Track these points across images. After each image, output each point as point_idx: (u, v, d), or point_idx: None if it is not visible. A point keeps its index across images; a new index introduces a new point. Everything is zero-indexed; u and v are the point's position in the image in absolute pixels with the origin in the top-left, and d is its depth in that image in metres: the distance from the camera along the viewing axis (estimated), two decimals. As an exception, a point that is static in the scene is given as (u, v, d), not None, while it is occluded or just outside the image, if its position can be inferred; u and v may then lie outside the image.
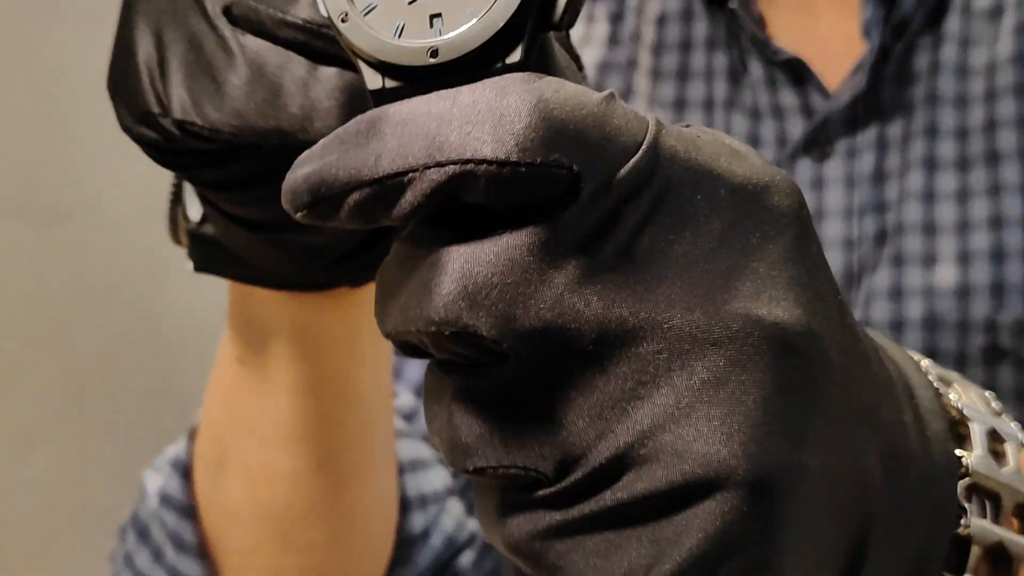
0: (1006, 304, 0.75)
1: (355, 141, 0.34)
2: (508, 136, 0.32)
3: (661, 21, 0.84)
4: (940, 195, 0.77)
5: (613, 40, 0.85)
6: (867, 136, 0.78)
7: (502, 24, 0.35)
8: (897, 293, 0.77)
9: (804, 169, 0.79)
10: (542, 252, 0.33)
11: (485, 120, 0.33)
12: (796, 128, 0.80)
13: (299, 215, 0.35)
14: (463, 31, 0.35)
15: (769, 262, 0.34)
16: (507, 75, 0.34)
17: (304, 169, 0.35)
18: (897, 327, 0.77)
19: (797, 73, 0.79)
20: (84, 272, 1.38)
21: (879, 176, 0.78)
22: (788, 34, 0.81)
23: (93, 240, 1.39)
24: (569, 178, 0.33)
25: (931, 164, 0.77)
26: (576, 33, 0.87)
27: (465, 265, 0.33)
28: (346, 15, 0.37)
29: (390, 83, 0.36)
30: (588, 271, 0.33)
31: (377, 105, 0.36)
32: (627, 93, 0.84)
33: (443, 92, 0.34)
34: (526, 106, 0.32)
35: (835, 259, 0.78)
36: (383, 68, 0.36)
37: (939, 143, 0.77)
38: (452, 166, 0.32)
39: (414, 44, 0.36)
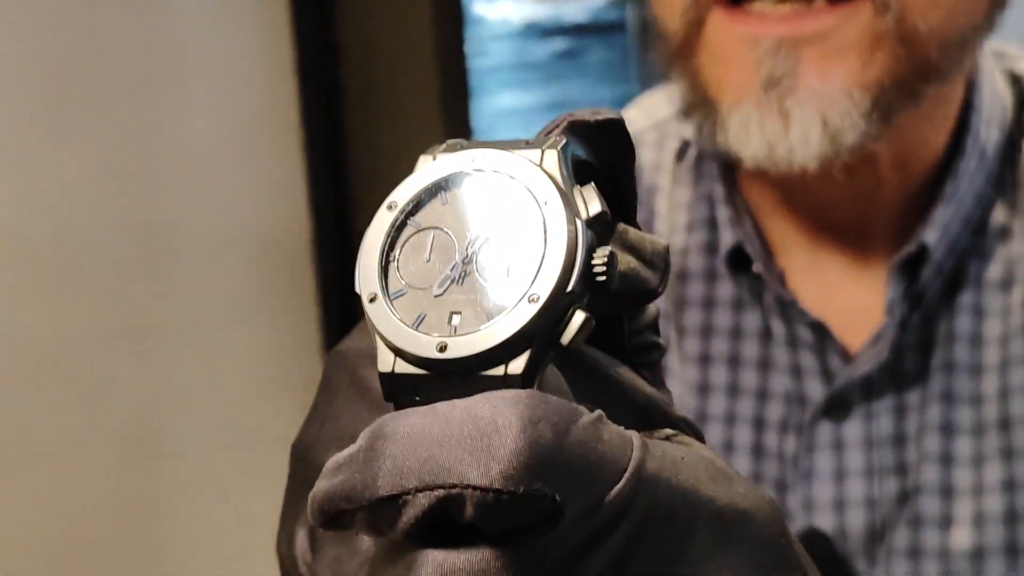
0: (1019, 567, 0.78)
1: (359, 460, 0.36)
2: (493, 464, 0.34)
3: (683, 278, 0.88)
4: (957, 459, 0.80)
5: None
6: (885, 401, 0.82)
7: (508, 335, 0.37)
8: (914, 553, 0.80)
9: (824, 431, 0.82)
10: (515, 569, 0.34)
11: (475, 445, 0.35)
12: (814, 388, 0.83)
13: (321, 528, 0.37)
14: (474, 334, 0.38)
15: None
16: (500, 393, 0.36)
17: (321, 485, 0.37)
18: None
19: (818, 335, 0.83)
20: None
21: (899, 439, 0.82)
22: (810, 297, 0.85)
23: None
24: (552, 507, 0.34)
25: (948, 429, 0.81)
26: None
27: (438, 568, 0.35)
28: (375, 296, 0.39)
29: (400, 368, 0.39)
30: None
31: (384, 386, 0.39)
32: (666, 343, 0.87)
33: (440, 405, 0.36)
34: (513, 432, 0.34)
35: (857, 518, 0.81)
36: (397, 352, 0.39)
37: (955, 409, 0.81)
38: (440, 490, 0.34)
39: (426, 336, 0.38)
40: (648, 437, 0.39)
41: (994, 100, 0.83)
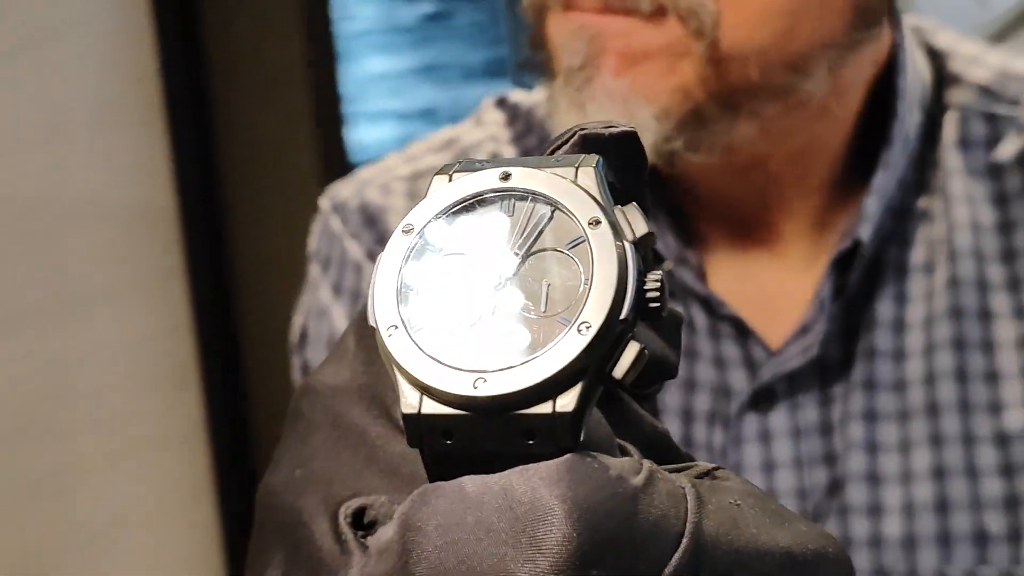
0: (953, 556, 0.78)
1: (394, 553, 0.33)
2: (541, 558, 0.31)
3: None
4: (882, 446, 0.80)
5: None
6: (809, 391, 0.81)
7: (558, 369, 0.34)
8: (846, 544, 0.79)
9: (751, 424, 0.81)
10: None
11: (518, 536, 0.32)
12: (738, 380, 0.82)
13: None
14: (516, 368, 0.34)
15: None
16: (536, 468, 0.33)
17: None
18: None
19: (739, 329, 0.82)
20: None
21: (825, 428, 0.81)
22: (729, 289, 0.83)
23: None
24: None
25: (872, 416, 0.80)
26: None
27: None
28: (395, 328, 0.35)
29: (428, 407, 0.34)
30: None
31: (409, 429, 0.35)
32: None
33: (471, 485, 0.33)
34: (558, 518, 0.32)
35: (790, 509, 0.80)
36: (424, 390, 0.35)
37: (878, 396, 0.80)
38: None
39: (460, 372, 0.34)
40: (691, 474, 0.36)
41: (915, 79, 0.82)
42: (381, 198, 0.89)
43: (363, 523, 0.38)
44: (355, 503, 0.38)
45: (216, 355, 1.69)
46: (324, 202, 0.92)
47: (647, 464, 0.34)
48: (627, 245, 0.35)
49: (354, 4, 1.72)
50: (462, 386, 0.34)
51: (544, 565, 0.31)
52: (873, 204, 0.80)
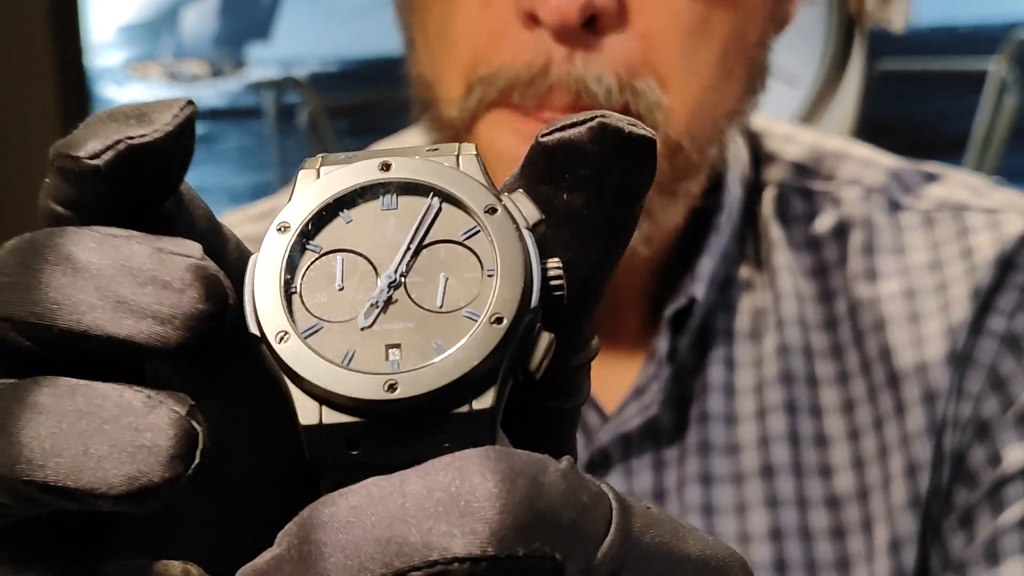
0: None
1: (292, 559, 0.29)
2: (481, 527, 0.29)
3: None
4: (718, 508, 0.80)
5: None
6: (643, 456, 0.81)
7: (476, 363, 0.32)
8: None
9: None
10: None
11: (449, 510, 0.29)
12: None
13: None
14: (429, 365, 0.32)
15: None
16: (456, 456, 0.30)
17: None
18: None
19: None
20: None
21: (659, 493, 0.80)
22: None
23: None
24: (552, 569, 0.29)
25: (706, 479, 0.80)
26: None
27: None
28: (285, 334, 0.32)
29: (329, 417, 0.32)
30: None
31: (308, 443, 0.32)
32: None
33: (385, 479, 0.30)
34: (494, 487, 0.29)
35: None
36: (325, 399, 0.32)
37: (713, 459, 0.80)
38: (415, 573, 0.28)
39: (366, 375, 0.32)
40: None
41: (736, 156, 0.85)
42: None
43: None
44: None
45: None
46: None
47: (566, 457, 0.32)
48: (526, 232, 0.34)
49: (116, 124, 1.68)
50: (372, 390, 0.31)
51: (484, 534, 0.28)
52: (707, 264, 0.81)
